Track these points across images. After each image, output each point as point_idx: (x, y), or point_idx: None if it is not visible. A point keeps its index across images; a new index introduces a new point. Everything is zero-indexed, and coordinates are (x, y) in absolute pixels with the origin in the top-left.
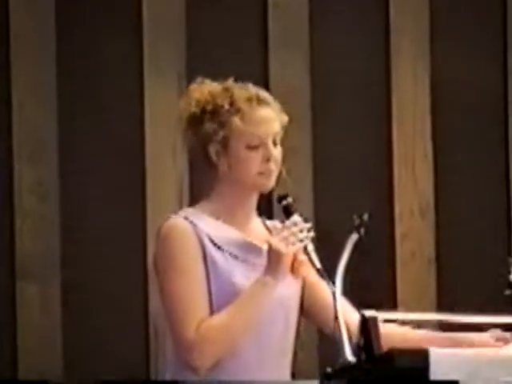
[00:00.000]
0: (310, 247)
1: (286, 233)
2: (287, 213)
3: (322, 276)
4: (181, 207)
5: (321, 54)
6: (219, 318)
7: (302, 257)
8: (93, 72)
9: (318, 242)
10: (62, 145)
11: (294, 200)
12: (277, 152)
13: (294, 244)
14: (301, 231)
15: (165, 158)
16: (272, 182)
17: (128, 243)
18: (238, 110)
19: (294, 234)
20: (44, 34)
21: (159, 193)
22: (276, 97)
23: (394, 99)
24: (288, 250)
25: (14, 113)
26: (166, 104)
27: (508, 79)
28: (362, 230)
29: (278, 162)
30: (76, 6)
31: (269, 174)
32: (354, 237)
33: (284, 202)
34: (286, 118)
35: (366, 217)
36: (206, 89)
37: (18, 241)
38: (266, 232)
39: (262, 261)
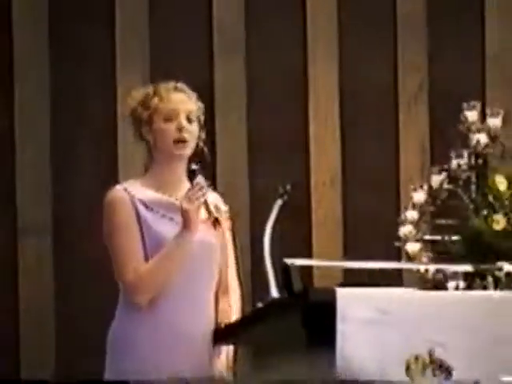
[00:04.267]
0: (209, 201)
1: (189, 193)
2: (193, 176)
3: (214, 226)
4: None
5: (257, 56)
6: (150, 264)
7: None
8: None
9: (252, 208)
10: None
11: (202, 167)
12: (191, 127)
13: (195, 201)
14: (200, 189)
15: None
16: (187, 150)
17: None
18: (157, 94)
19: (195, 193)
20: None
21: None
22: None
23: (311, 88)
24: (191, 206)
25: None
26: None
27: (398, 72)
28: (285, 197)
29: (192, 134)
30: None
31: (183, 143)
32: (279, 202)
33: (192, 168)
34: (201, 105)
35: (288, 187)
36: (141, 90)
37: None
38: None
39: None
